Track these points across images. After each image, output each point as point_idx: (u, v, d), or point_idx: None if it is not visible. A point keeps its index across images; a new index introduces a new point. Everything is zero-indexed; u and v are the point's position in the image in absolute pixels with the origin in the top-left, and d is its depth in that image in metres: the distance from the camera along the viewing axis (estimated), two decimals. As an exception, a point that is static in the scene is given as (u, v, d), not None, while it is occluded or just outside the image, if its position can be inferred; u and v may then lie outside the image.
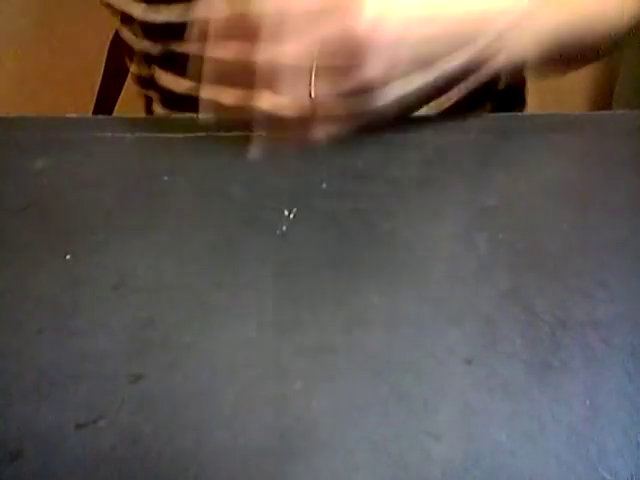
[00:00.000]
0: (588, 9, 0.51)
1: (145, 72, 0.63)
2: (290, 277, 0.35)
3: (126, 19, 0.60)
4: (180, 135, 0.48)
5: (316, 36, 0.39)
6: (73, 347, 0.32)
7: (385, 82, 0.41)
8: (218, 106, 0.42)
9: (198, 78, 0.41)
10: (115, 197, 0.42)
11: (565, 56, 0.50)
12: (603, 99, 1.08)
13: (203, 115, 0.46)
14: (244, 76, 0.40)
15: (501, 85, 0.61)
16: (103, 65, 0.79)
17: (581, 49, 0.51)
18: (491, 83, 0.50)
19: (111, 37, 0.74)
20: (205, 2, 0.42)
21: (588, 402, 0.28)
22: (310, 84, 0.40)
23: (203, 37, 0.41)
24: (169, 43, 0.56)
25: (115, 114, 0.80)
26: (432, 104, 0.58)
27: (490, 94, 0.62)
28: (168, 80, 0.60)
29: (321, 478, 0.26)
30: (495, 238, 0.37)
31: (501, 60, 0.45)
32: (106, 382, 0.30)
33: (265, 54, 0.39)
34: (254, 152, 0.43)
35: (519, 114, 0.49)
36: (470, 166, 0.44)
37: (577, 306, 0.33)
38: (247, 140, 0.46)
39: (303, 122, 0.42)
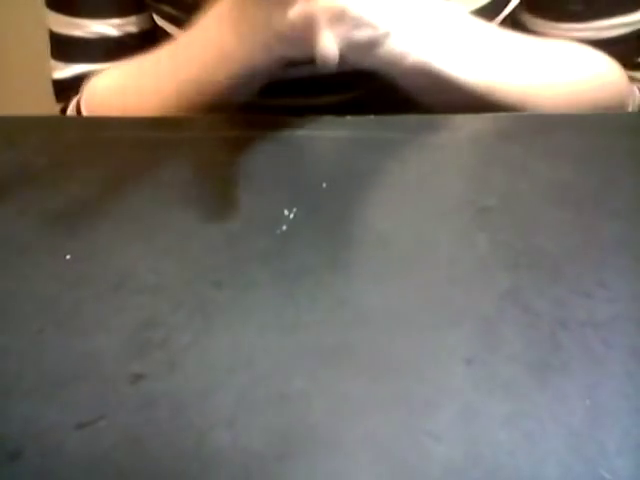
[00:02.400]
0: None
1: None
2: (290, 277, 0.35)
3: None
4: (180, 135, 0.48)
5: None
6: (73, 347, 0.32)
7: None
8: None
9: None
10: (115, 197, 0.42)
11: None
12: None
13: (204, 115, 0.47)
14: None
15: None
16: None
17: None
18: None
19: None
20: None
21: (588, 402, 0.28)
22: None
23: None
24: None
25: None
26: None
27: None
28: None
29: (321, 478, 0.26)
30: (495, 238, 0.37)
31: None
32: (106, 382, 0.30)
33: None
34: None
35: (519, 114, 0.49)
36: (470, 166, 0.44)
37: (577, 306, 0.33)
38: (247, 140, 0.46)
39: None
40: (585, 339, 0.31)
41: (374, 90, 0.58)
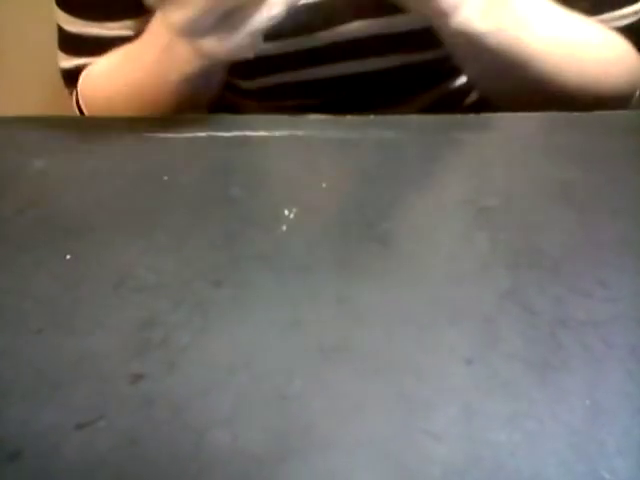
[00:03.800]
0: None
1: None
2: (290, 277, 0.35)
3: None
4: (180, 135, 0.48)
5: None
6: (73, 347, 0.32)
7: None
8: None
9: None
10: (115, 197, 0.42)
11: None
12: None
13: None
14: None
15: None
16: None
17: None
18: None
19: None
20: None
21: (588, 402, 0.28)
22: None
23: None
24: None
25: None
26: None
27: None
28: None
29: (321, 478, 0.26)
30: (495, 238, 0.37)
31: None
32: (106, 382, 0.30)
33: None
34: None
35: (519, 114, 0.48)
36: (470, 166, 0.44)
37: (577, 306, 0.33)
38: (247, 140, 0.46)
39: None
40: (585, 338, 0.31)
41: (341, 96, 0.59)
